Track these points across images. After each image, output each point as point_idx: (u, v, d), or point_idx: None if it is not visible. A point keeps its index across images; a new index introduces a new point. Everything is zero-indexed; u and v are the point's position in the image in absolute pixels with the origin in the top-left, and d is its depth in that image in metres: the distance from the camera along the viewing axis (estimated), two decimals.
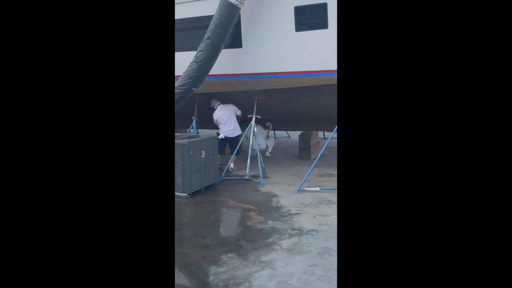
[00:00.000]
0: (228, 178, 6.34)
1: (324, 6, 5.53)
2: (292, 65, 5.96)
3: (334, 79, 5.80)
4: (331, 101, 6.00)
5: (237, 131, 6.70)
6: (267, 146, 8.22)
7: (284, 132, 11.07)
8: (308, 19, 5.69)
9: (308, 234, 3.96)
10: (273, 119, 8.03)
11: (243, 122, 7.12)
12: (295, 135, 9.86)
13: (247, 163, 6.38)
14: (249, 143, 6.71)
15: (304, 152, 7.91)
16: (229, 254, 3.53)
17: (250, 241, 3.84)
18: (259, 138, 7.65)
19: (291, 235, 3.94)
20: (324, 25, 5.58)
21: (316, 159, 5.96)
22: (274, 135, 10.89)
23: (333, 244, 3.68)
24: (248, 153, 6.59)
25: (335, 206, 4.85)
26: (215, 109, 6.81)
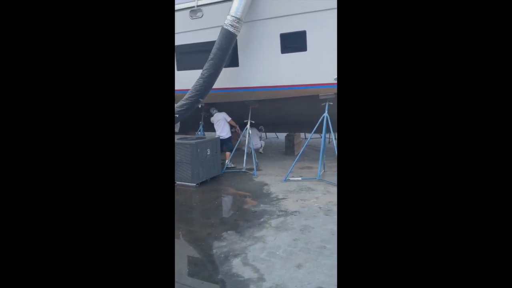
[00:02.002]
0: (229, 171, 6.36)
1: (303, 33, 5.57)
2: (279, 80, 5.99)
3: (312, 91, 5.83)
4: (310, 109, 6.05)
5: (228, 134, 6.72)
6: (261, 146, 8.25)
7: (274, 133, 11.10)
8: (291, 43, 5.72)
9: (292, 214, 3.99)
10: (264, 124, 8.05)
11: (241, 126, 7.13)
12: (282, 135, 9.89)
13: (244, 159, 6.41)
14: (245, 143, 6.73)
15: (289, 149, 7.94)
16: (229, 232, 3.56)
17: (246, 220, 3.86)
18: (254, 139, 7.66)
19: (278, 216, 3.97)
20: (303, 48, 5.62)
21: (298, 155, 6.00)
22: (266, 136, 10.91)
23: (311, 222, 3.72)
24: (244, 150, 6.61)
25: (314, 192, 4.89)
26: (213, 115, 6.86)
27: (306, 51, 5.60)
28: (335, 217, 3.85)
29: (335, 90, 5.62)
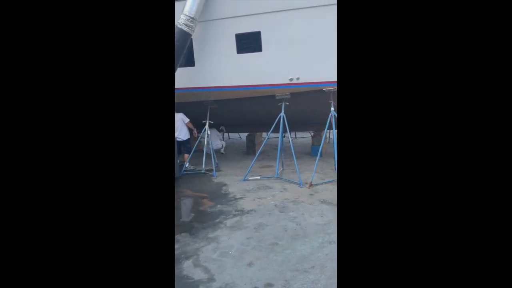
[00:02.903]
0: (187, 173, 6.26)
1: (258, 34, 5.64)
2: (235, 80, 6.01)
3: (268, 91, 5.94)
4: (268, 109, 6.15)
5: (186, 135, 6.61)
6: (222, 146, 8.21)
7: (237, 134, 11.12)
8: (246, 43, 5.77)
9: (248, 213, 4.03)
10: (225, 124, 8.03)
11: (200, 127, 7.04)
12: (245, 136, 9.94)
13: (203, 160, 6.34)
14: (205, 144, 6.66)
15: (250, 149, 8.00)
16: (182, 234, 3.50)
17: (201, 222, 3.83)
18: (215, 139, 7.61)
19: (234, 215, 3.98)
20: (259, 48, 5.70)
21: (257, 155, 6.08)
22: (228, 137, 10.89)
23: (266, 220, 3.78)
24: (203, 151, 6.54)
25: (272, 190, 4.97)
26: None
27: (262, 52, 5.68)
28: (290, 213, 3.95)
29: (290, 90, 5.78)
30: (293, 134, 10.47)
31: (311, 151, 7.65)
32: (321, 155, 7.20)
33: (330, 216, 3.83)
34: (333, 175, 5.60)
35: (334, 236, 3.26)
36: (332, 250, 2.98)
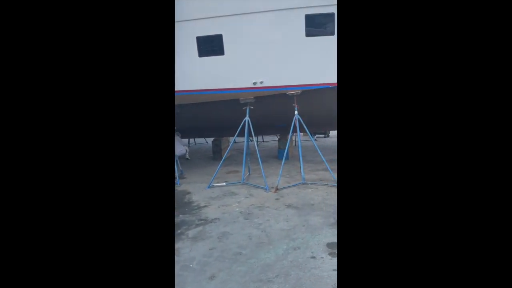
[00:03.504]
0: None
1: (220, 37, 5.54)
2: (198, 84, 5.85)
3: (232, 95, 5.85)
4: (232, 113, 6.05)
5: None
6: (186, 151, 7.96)
7: (203, 139, 10.88)
8: (208, 47, 5.64)
9: (211, 222, 3.88)
10: (190, 129, 7.80)
11: None
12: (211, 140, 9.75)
13: None
14: None
15: (217, 154, 7.83)
16: None
17: None
18: (178, 145, 7.36)
19: (197, 225, 3.82)
20: (221, 52, 5.59)
21: (222, 161, 5.94)
22: (195, 142, 10.63)
23: (230, 228, 3.66)
24: None
25: (237, 196, 4.86)
26: None
27: (224, 55, 5.58)
28: (255, 220, 3.87)
29: (254, 94, 5.73)
30: (260, 138, 10.47)
31: (278, 155, 7.65)
32: (287, 158, 7.27)
33: (295, 220, 3.80)
34: (299, 178, 5.62)
35: (299, 242, 3.22)
36: (296, 256, 2.93)
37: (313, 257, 2.89)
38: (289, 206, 4.33)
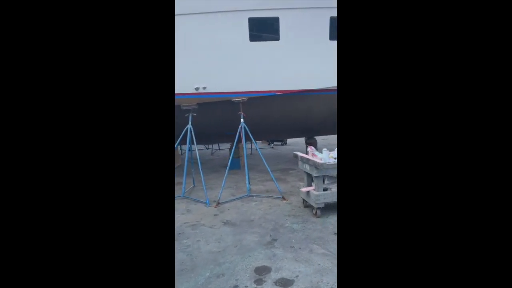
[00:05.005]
0: None
1: None
2: None
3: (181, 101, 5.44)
4: (177, 120, 5.64)
5: None
6: None
7: None
8: None
9: None
10: None
11: None
12: None
13: None
14: None
15: None
16: None
17: None
18: None
19: None
20: None
21: None
22: None
23: None
24: None
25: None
26: None
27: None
28: (184, 241, 3.48)
29: (197, 100, 5.37)
30: (216, 146, 10.11)
31: (230, 164, 7.32)
32: (238, 168, 6.96)
33: (228, 240, 3.47)
34: (246, 190, 5.32)
35: (225, 267, 2.88)
36: (218, 285, 2.59)
37: (235, 286, 2.57)
38: (226, 223, 3.99)
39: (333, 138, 9.92)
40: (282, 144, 10.89)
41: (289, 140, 11.08)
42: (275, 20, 5.01)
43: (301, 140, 8.95)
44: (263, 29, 5.09)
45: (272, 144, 10.77)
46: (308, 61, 5.27)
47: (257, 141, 10.85)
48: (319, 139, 10.13)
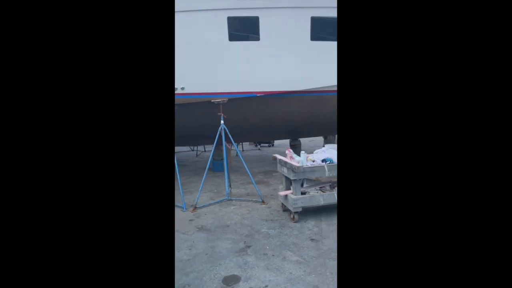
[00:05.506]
0: None
1: None
2: None
3: None
4: None
5: None
6: None
7: None
8: None
9: None
10: None
11: None
12: None
13: None
14: None
15: None
16: None
17: None
18: None
19: None
20: None
21: None
22: None
23: None
24: None
25: None
26: None
27: None
28: None
29: (175, 101, 5.23)
30: (201, 148, 9.95)
31: (213, 167, 7.19)
32: (221, 170, 6.82)
33: (200, 247, 3.33)
34: (228, 194, 5.19)
35: (192, 277, 2.75)
36: None
37: None
38: (200, 229, 3.86)
39: (319, 140, 9.85)
40: (269, 146, 10.79)
41: (276, 142, 10.98)
42: (255, 20, 4.90)
43: (288, 142, 8.87)
44: (243, 28, 4.98)
45: (259, 146, 10.66)
46: (289, 62, 5.17)
47: (244, 143, 10.76)
48: (306, 140, 10.07)
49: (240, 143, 10.08)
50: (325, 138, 8.33)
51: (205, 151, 9.98)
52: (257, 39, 5.00)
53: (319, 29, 5.14)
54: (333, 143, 6.72)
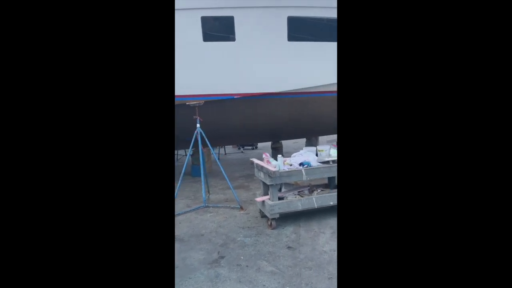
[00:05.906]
0: None
1: None
2: None
3: None
4: None
5: None
6: None
7: None
8: None
9: None
10: None
11: None
12: None
13: None
14: None
15: None
16: None
17: None
18: None
19: None
20: None
21: None
22: None
23: None
24: None
25: None
26: None
27: None
28: None
29: None
30: (182, 151, 9.70)
31: (191, 171, 6.98)
32: (197, 175, 6.62)
33: None
34: (205, 200, 5.00)
35: None
36: None
37: None
38: None
39: (302, 142, 9.78)
40: (252, 148, 10.65)
41: (260, 144, 10.85)
42: (230, 20, 4.75)
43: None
44: (218, 28, 4.82)
45: (242, 149, 10.50)
46: (266, 64, 5.05)
47: (227, 146, 10.57)
48: (290, 142, 9.96)
49: (223, 146, 9.90)
50: (307, 139, 8.25)
51: (185, 155, 9.74)
52: (233, 39, 4.86)
53: (296, 29, 5.05)
54: (314, 145, 6.62)
